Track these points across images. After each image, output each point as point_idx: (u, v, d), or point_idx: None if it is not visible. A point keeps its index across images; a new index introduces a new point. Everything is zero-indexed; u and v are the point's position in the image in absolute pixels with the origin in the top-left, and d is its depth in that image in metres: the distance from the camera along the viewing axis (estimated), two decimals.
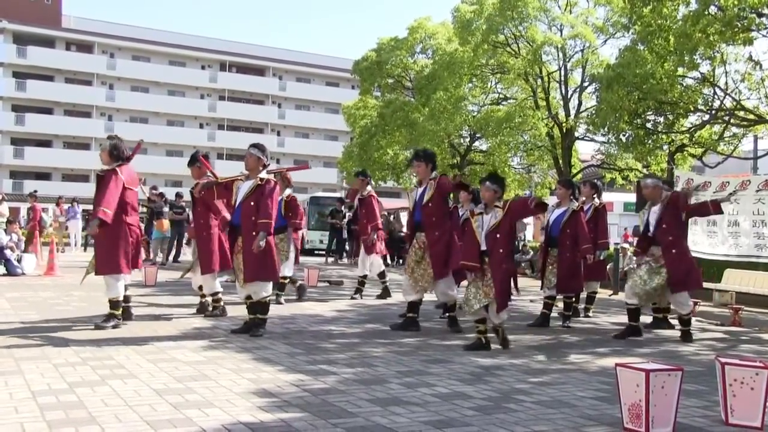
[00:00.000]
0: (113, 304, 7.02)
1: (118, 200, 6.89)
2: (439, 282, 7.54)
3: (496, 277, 6.40)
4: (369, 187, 10.76)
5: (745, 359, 4.40)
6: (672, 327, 8.26)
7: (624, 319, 8.07)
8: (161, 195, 17.40)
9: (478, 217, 6.73)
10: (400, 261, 19.34)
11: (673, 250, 7.47)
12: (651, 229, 7.69)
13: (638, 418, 3.90)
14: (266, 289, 6.93)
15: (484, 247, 6.54)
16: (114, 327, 6.93)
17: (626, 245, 16.12)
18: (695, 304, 8.27)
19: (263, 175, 6.92)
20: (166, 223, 16.63)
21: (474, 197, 9.00)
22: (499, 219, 6.53)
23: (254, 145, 7.06)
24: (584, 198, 9.09)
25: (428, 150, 8.24)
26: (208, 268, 7.98)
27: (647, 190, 7.83)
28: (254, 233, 6.68)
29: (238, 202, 6.93)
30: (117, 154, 7.15)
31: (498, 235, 6.50)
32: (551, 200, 9.08)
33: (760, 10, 11.66)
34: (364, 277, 10.86)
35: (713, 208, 7.73)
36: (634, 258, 7.77)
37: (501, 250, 6.47)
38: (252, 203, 6.78)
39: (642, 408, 3.87)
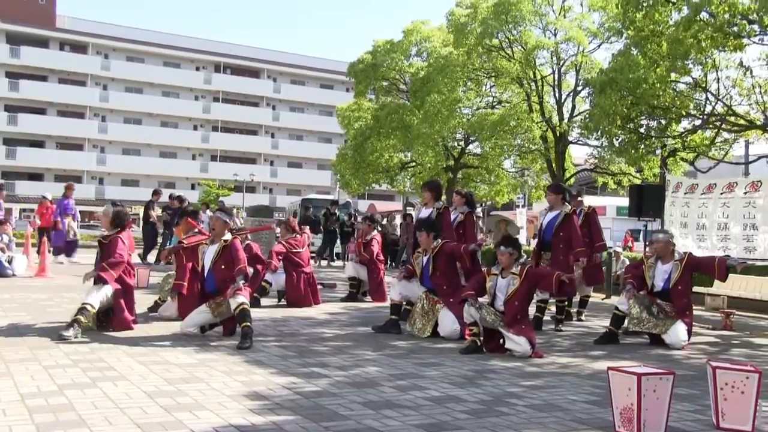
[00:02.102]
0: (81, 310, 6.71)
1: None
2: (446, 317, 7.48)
3: (526, 335, 6.47)
4: (374, 232, 11.51)
5: (736, 363, 4.41)
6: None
7: None
8: (181, 199, 16.91)
9: (492, 278, 6.78)
10: (393, 264, 19.33)
11: (687, 312, 7.57)
12: (658, 285, 7.68)
13: (630, 421, 3.90)
14: (245, 296, 6.86)
15: (501, 309, 6.62)
16: (76, 336, 6.51)
17: (619, 249, 16.17)
18: None
19: (227, 237, 6.95)
20: None
21: (467, 201, 9.02)
22: (517, 286, 6.60)
23: (222, 210, 7.18)
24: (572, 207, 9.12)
25: (430, 219, 8.20)
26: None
27: (659, 244, 7.76)
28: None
29: (207, 269, 6.95)
30: (119, 222, 7.23)
31: (516, 303, 6.59)
32: (545, 204, 9.12)
33: (750, 16, 11.72)
34: (354, 279, 10.98)
35: (719, 274, 7.68)
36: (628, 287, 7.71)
37: (519, 317, 6.56)
38: (223, 266, 6.83)
39: (634, 412, 3.88)
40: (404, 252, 18.36)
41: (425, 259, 7.73)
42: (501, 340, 6.62)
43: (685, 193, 10.97)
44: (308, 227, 12.46)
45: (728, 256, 8.01)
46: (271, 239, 15.41)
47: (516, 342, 6.42)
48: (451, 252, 7.64)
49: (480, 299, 6.74)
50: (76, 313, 6.66)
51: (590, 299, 9.90)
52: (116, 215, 7.25)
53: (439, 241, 7.68)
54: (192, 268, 7.57)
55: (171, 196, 17.34)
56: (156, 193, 17.43)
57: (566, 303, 8.84)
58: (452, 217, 8.71)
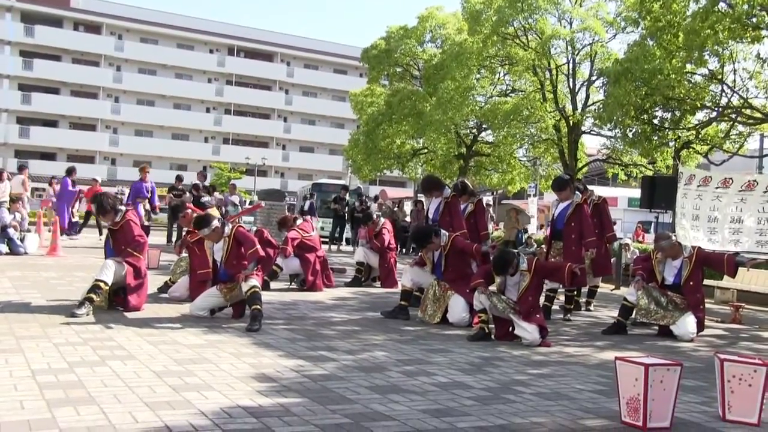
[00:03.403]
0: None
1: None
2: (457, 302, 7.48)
3: (537, 323, 6.50)
4: (381, 220, 11.58)
5: (744, 356, 4.40)
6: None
7: None
8: (197, 187, 16.74)
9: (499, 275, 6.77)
10: (403, 250, 19.34)
11: (700, 306, 7.59)
12: (668, 279, 7.70)
13: (636, 411, 3.91)
14: (257, 280, 6.90)
15: (514, 298, 6.64)
16: (87, 314, 6.58)
17: (628, 240, 16.10)
18: None
19: (228, 231, 6.97)
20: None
21: (464, 190, 8.99)
22: (528, 282, 6.61)
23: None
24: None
25: (417, 232, 8.27)
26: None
27: (667, 251, 7.71)
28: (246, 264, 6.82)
29: (220, 264, 7.04)
30: (106, 209, 7.18)
31: (530, 297, 6.61)
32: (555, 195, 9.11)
33: None
34: (361, 264, 11.03)
35: (728, 270, 7.71)
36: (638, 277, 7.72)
37: (532, 309, 6.57)
38: (235, 262, 6.88)
39: (640, 402, 3.88)
40: None
41: (437, 254, 7.75)
42: (511, 328, 6.63)
43: (698, 186, 10.88)
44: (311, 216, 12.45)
45: (738, 253, 7.95)
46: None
47: (526, 329, 6.43)
48: (462, 249, 7.65)
49: (490, 287, 6.75)
50: (89, 290, 6.69)
51: (599, 289, 9.90)
52: (99, 207, 7.22)
53: (447, 234, 7.68)
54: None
55: (179, 177, 17.36)
56: (178, 178, 17.41)
57: (575, 293, 8.85)
58: (462, 207, 8.69)
